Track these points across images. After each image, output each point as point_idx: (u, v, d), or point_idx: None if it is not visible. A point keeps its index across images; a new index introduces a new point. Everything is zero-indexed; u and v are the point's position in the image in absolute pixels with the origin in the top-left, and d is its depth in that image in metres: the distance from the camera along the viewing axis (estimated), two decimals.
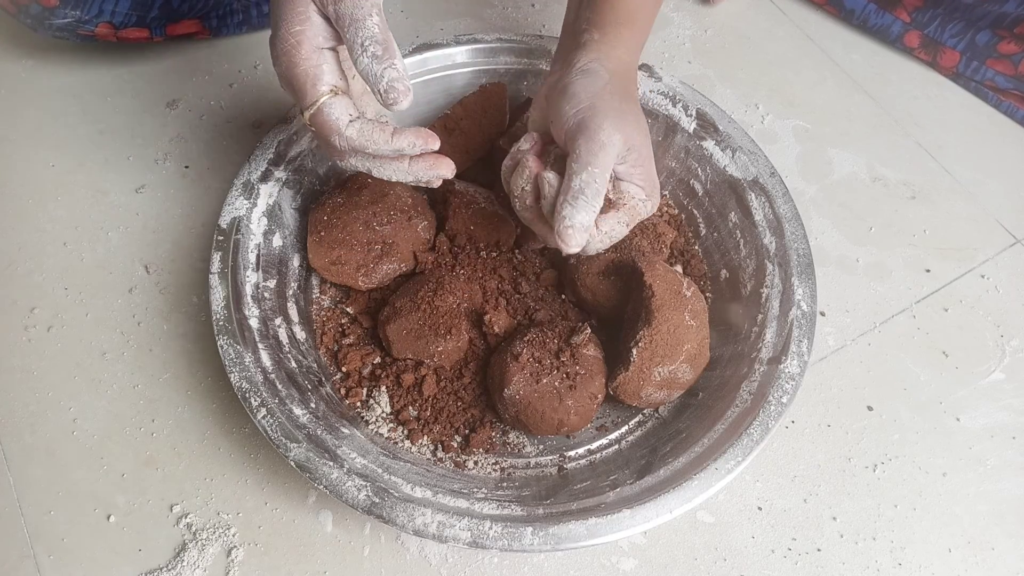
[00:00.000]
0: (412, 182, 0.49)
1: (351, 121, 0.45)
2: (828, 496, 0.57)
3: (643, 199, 0.50)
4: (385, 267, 0.58)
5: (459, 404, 0.56)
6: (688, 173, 0.65)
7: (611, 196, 0.49)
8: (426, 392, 0.55)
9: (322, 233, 0.58)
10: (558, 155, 0.51)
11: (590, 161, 0.46)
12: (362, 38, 0.42)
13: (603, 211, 0.48)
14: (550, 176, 0.48)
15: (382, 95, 0.43)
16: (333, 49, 0.45)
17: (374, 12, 0.43)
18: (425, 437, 0.55)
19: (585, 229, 0.46)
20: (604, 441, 0.57)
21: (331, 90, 0.44)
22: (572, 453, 0.56)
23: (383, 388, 0.56)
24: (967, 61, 0.76)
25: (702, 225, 0.64)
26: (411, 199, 0.60)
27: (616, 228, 0.50)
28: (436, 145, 0.47)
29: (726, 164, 0.63)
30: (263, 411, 0.49)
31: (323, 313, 0.60)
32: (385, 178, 0.49)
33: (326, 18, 0.44)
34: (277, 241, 0.59)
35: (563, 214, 0.46)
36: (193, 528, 0.53)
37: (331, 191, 0.61)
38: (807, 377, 0.54)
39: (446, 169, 0.48)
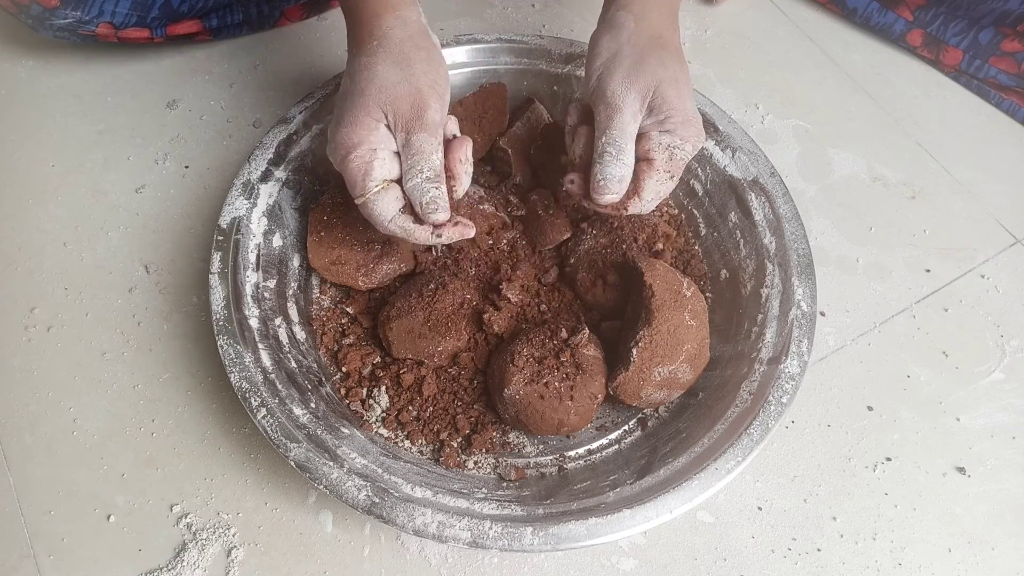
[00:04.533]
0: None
1: (392, 218, 0.50)
2: (828, 496, 0.57)
3: (678, 145, 0.51)
4: (385, 267, 0.58)
5: (459, 404, 0.56)
6: (688, 173, 0.65)
7: (651, 156, 0.51)
8: (426, 392, 0.55)
9: (322, 233, 0.58)
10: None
11: (608, 125, 0.50)
12: (423, 167, 0.48)
13: (641, 173, 0.51)
14: (580, 129, 0.54)
15: (422, 207, 0.48)
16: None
17: (439, 148, 0.49)
18: (425, 437, 0.55)
19: (617, 180, 0.50)
20: (604, 441, 0.57)
21: (377, 186, 0.48)
22: (572, 453, 0.56)
23: (383, 388, 0.56)
24: (970, 59, 0.76)
25: (702, 225, 0.64)
26: None
27: (660, 186, 0.52)
28: (472, 234, 0.52)
29: (726, 164, 0.63)
30: (263, 411, 0.49)
31: (323, 313, 0.60)
32: (415, 242, 0.52)
33: (389, 129, 0.49)
34: (277, 241, 0.59)
35: (594, 171, 0.51)
36: (193, 528, 0.53)
37: (331, 191, 0.61)
38: (807, 377, 0.54)
39: (470, 232, 0.52)
